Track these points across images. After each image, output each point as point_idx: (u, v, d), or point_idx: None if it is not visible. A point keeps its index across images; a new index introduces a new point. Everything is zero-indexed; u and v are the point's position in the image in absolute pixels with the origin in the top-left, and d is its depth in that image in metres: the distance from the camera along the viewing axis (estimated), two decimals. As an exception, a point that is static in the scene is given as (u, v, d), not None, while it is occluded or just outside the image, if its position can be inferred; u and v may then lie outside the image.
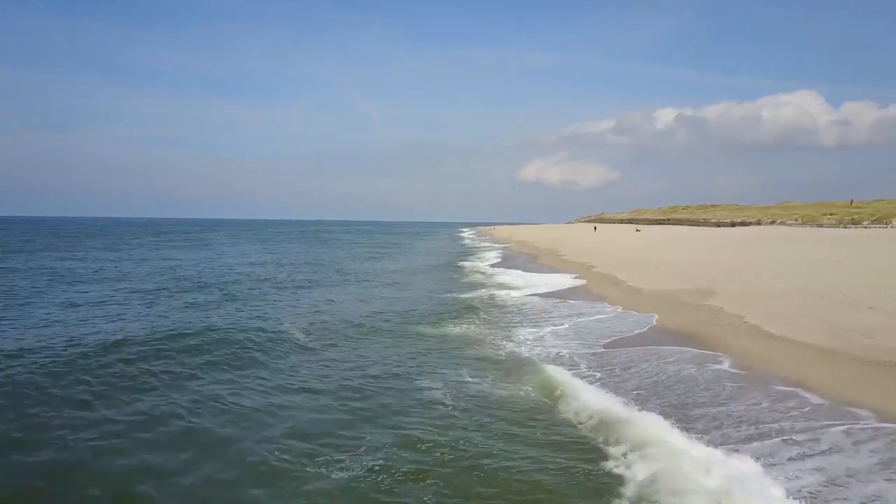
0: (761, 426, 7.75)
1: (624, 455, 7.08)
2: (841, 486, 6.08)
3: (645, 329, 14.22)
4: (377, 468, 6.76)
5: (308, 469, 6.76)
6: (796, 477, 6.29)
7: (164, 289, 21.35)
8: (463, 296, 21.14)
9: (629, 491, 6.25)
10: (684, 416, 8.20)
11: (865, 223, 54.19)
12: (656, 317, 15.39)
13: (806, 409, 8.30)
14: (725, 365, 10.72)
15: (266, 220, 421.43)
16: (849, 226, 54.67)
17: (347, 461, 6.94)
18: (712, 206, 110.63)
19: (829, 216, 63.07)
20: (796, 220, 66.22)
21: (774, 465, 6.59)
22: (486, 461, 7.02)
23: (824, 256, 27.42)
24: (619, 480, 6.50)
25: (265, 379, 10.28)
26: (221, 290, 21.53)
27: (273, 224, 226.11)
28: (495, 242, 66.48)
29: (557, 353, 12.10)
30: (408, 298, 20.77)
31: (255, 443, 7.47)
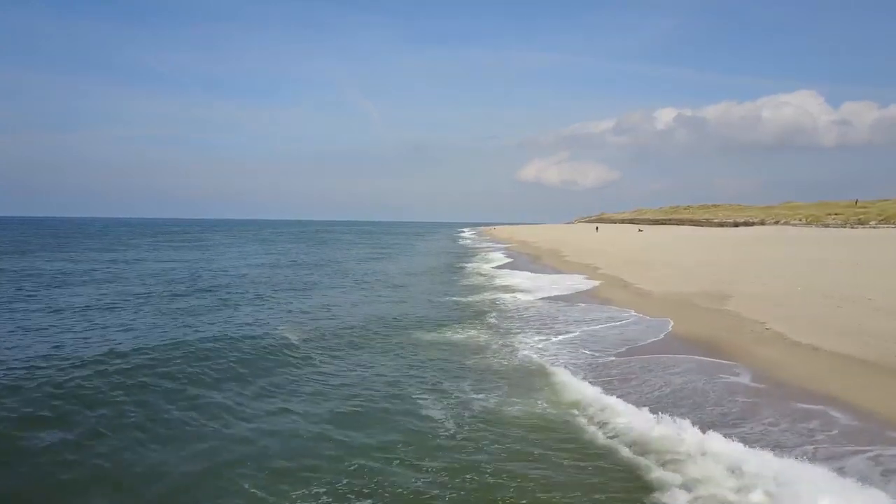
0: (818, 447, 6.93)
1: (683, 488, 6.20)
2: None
3: (661, 336, 13.40)
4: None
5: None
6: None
7: (153, 293, 20.50)
8: (464, 299, 20.34)
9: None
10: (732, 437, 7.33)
11: (873, 223, 53.35)
12: (671, 323, 14.57)
13: (833, 433, 7.45)
14: (749, 378, 9.91)
15: (266, 220, 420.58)
16: (856, 226, 53.80)
17: (329, 497, 6.11)
18: (714, 206, 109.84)
19: (833, 216, 62.22)
20: (800, 221, 65.39)
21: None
22: (501, 496, 6.20)
23: (837, 257, 26.60)
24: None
25: (248, 400, 9.21)
26: (215, 293, 20.71)
27: (273, 224, 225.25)
28: (496, 243, 65.65)
29: (570, 363, 11.28)
30: (407, 302, 19.96)
31: (233, 475, 6.61)
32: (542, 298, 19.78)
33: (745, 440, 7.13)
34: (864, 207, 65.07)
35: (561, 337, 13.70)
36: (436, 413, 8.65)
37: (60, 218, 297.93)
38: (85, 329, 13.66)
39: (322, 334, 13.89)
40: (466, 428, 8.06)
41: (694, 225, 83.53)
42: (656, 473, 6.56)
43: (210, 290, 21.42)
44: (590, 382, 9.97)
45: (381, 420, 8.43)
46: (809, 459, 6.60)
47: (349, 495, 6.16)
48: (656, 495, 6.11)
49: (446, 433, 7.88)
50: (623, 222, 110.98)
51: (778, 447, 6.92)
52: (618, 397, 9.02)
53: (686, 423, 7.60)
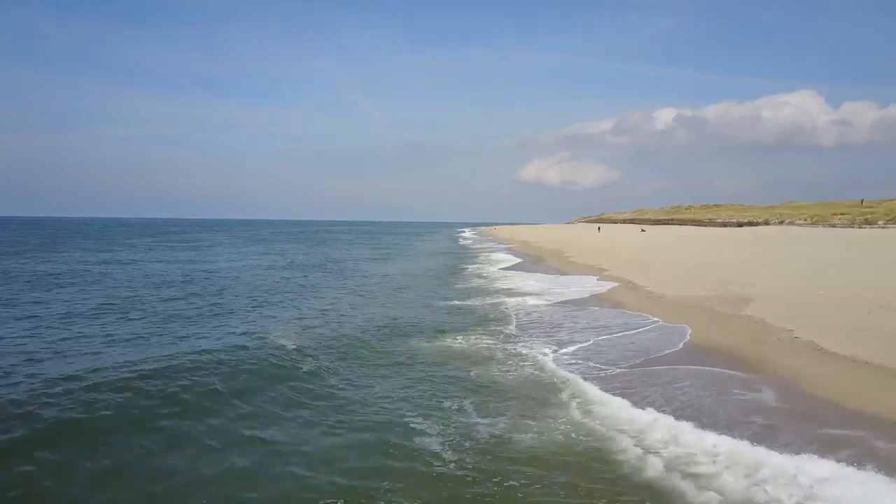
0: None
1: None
2: None
3: (680, 346, 12.43)
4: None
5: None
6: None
7: (140, 297, 19.55)
8: (466, 303, 19.41)
9: None
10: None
11: (881, 223, 52.42)
12: (690, 330, 13.63)
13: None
14: (782, 394, 8.98)
15: (266, 220, 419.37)
16: (863, 226, 52.90)
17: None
18: (715, 205, 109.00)
19: (839, 216, 61.33)
20: (805, 221, 64.49)
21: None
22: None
23: (853, 259, 25.70)
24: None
25: (221, 426, 8.06)
26: (205, 298, 19.76)
27: (273, 224, 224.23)
28: (497, 243, 64.72)
29: (588, 376, 10.33)
30: (406, 307, 19.02)
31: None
32: (550, 303, 18.83)
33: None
34: (870, 207, 64.16)
35: (574, 347, 12.72)
36: (432, 443, 7.45)
37: (60, 218, 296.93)
38: (60, 340, 12.59)
39: (313, 345, 12.75)
40: (469, 463, 6.85)
41: (696, 225, 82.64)
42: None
43: (200, 295, 20.48)
44: (607, 398, 9.07)
45: (364, 453, 7.21)
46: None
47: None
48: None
49: (443, 468, 6.72)
50: (624, 222, 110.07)
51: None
52: (645, 416, 8.12)
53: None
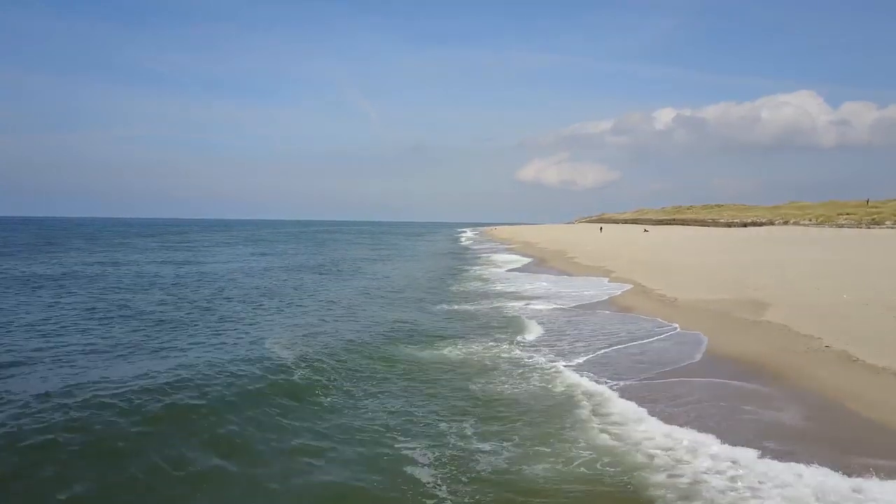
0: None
1: None
2: None
3: (701, 356, 11.51)
4: None
5: None
6: None
7: (126, 302, 18.63)
8: (468, 308, 18.50)
9: None
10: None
11: (889, 223, 51.49)
12: (709, 338, 12.72)
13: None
14: (815, 415, 8.08)
15: (266, 220, 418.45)
16: (871, 226, 51.97)
17: None
18: (717, 206, 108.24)
19: (846, 216, 60.43)
20: (810, 221, 63.59)
21: None
22: None
23: (866, 260, 24.78)
24: None
25: (189, 456, 6.99)
26: (195, 303, 18.83)
27: (273, 224, 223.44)
28: (498, 244, 63.82)
29: (607, 390, 9.40)
30: (406, 311, 18.10)
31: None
32: (558, 307, 17.88)
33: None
34: (876, 207, 63.26)
35: (587, 357, 11.79)
36: (424, 474, 6.46)
37: (61, 218, 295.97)
38: (32, 351, 11.62)
39: (301, 358, 11.44)
40: (468, 501, 5.87)
41: (699, 225, 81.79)
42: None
43: (189, 300, 19.56)
44: (628, 418, 8.17)
45: (344, 489, 6.20)
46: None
47: None
48: None
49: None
50: (625, 222, 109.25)
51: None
52: (671, 437, 7.20)
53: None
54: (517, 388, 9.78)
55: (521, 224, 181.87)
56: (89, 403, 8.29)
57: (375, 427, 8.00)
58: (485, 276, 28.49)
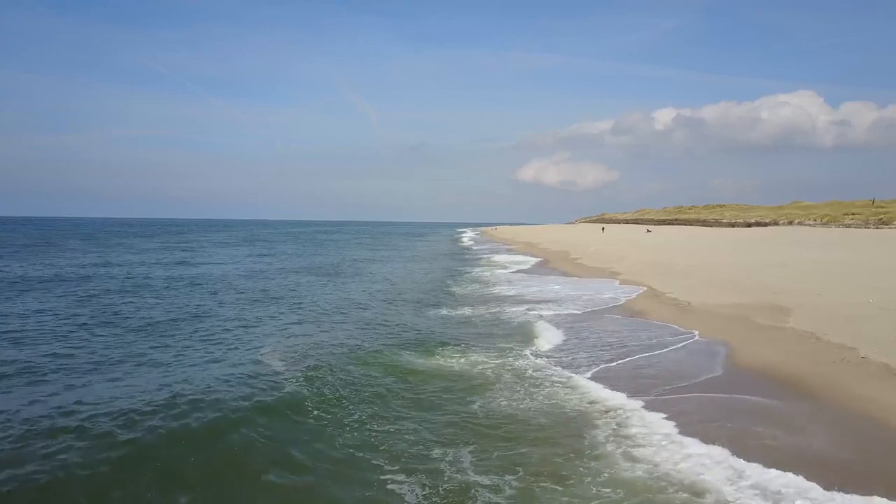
0: None
1: None
2: None
3: (724, 369, 10.63)
4: None
5: None
6: None
7: (110, 307, 17.75)
8: (469, 313, 17.63)
9: None
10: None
11: (897, 223, 50.59)
12: (733, 346, 11.84)
13: None
14: (870, 443, 7.22)
15: (265, 220, 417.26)
16: (879, 226, 51.07)
17: None
18: (719, 206, 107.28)
19: (852, 216, 59.52)
20: (815, 221, 62.68)
21: None
22: None
23: (883, 262, 23.91)
24: None
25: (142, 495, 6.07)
26: (184, 309, 17.95)
27: (272, 224, 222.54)
28: (499, 245, 62.97)
29: (628, 408, 8.52)
30: (405, 317, 17.21)
31: None
32: (567, 313, 16.96)
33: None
34: (883, 207, 62.37)
35: (601, 367, 10.93)
36: None
37: (61, 218, 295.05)
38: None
39: (294, 371, 10.67)
40: None
41: (702, 225, 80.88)
42: None
43: (179, 305, 18.69)
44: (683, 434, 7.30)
45: None
46: None
47: None
48: None
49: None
50: (626, 223, 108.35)
51: None
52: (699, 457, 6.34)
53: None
54: (524, 406, 8.86)
55: (520, 224, 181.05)
56: (51, 429, 7.42)
57: (360, 455, 7.07)
58: (489, 279, 27.60)
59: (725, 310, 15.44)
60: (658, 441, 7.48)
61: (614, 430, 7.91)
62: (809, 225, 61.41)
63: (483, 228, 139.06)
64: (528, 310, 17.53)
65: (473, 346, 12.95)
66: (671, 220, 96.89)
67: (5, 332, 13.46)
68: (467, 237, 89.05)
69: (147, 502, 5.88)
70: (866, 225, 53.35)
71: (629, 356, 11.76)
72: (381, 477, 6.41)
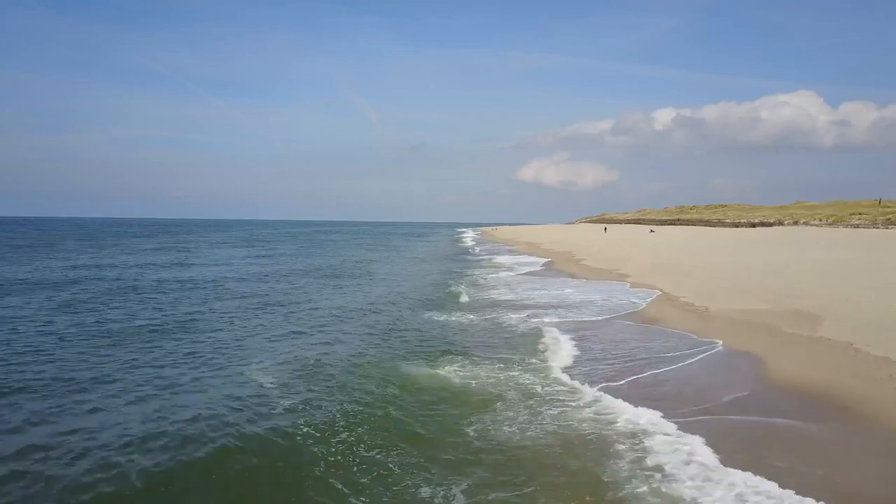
0: None
1: None
2: None
3: (756, 385, 9.63)
4: None
5: None
6: None
7: (93, 311, 16.77)
8: (470, 319, 16.62)
9: None
10: None
11: (906, 223, 49.63)
12: (761, 360, 10.84)
13: None
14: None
15: (265, 220, 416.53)
16: (888, 226, 50.11)
17: None
18: (722, 206, 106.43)
19: (858, 216, 58.58)
20: (821, 221, 61.75)
21: None
22: None
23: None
24: None
25: None
26: (171, 315, 16.99)
27: (272, 224, 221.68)
28: (501, 245, 62.01)
29: (652, 432, 7.51)
30: (403, 321, 16.21)
31: None
32: (577, 320, 15.94)
33: None
34: (889, 207, 61.47)
35: (619, 383, 9.95)
36: None
37: (60, 218, 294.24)
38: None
39: (275, 389, 9.79)
40: None
41: (705, 225, 79.97)
42: None
43: (167, 312, 17.71)
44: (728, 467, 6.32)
45: None
46: None
47: None
48: None
49: None
50: (627, 223, 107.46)
51: None
52: None
53: None
54: (530, 431, 7.82)
55: (521, 224, 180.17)
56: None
57: (345, 489, 6.12)
58: (491, 282, 26.58)
59: (746, 316, 14.48)
60: (694, 474, 6.52)
61: (639, 458, 6.96)
62: (815, 225, 60.46)
63: (483, 228, 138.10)
64: (536, 316, 16.53)
65: (478, 357, 11.97)
66: (673, 220, 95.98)
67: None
68: (468, 237, 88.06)
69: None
70: (874, 225, 52.41)
71: (649, 369, 10.77)
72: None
